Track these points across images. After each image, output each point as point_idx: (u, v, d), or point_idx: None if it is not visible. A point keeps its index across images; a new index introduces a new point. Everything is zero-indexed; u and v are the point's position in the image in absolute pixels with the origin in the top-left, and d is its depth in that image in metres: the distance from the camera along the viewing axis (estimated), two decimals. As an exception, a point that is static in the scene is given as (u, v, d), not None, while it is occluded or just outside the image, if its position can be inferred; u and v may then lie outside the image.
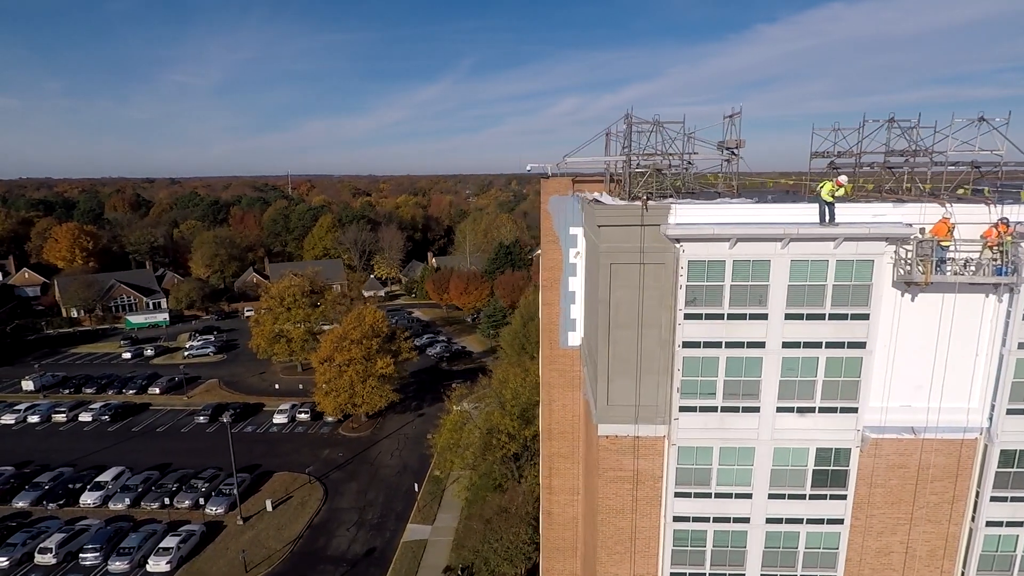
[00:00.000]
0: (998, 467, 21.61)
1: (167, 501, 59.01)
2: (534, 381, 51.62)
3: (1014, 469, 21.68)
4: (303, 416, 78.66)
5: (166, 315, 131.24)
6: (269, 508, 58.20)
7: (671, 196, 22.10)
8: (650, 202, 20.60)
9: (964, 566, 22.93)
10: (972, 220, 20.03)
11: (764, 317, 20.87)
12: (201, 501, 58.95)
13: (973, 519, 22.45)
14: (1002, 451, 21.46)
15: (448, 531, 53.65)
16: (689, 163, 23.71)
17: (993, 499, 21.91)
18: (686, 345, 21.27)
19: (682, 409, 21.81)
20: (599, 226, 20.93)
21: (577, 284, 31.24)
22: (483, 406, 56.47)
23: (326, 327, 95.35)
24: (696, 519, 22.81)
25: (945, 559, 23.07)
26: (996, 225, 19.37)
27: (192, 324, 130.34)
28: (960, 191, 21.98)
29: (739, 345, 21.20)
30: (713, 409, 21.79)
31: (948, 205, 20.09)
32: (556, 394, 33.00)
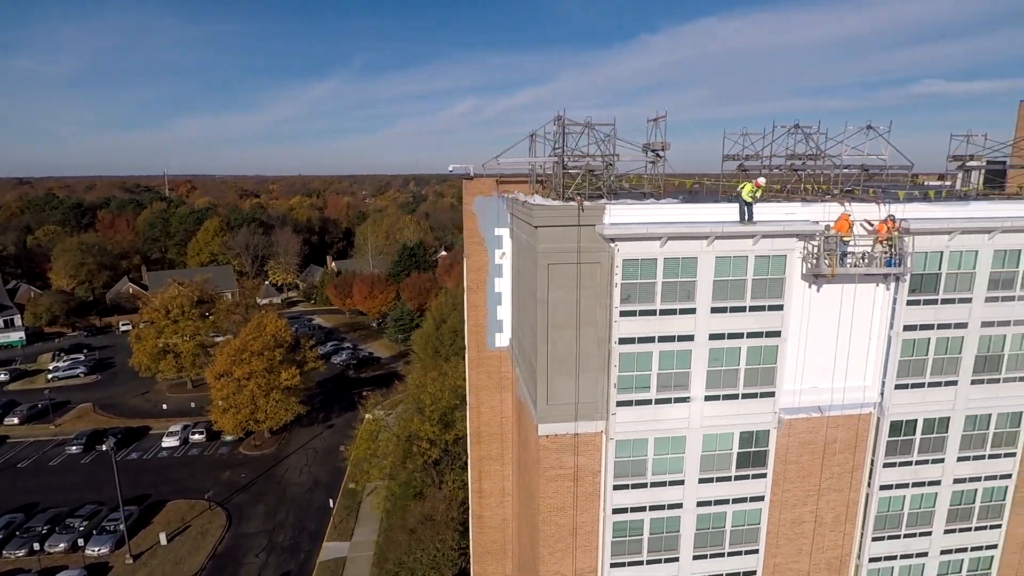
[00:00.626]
0: (888, 436, 24.26)
1: (36, 546, 51.81)
2: (453, 384, 51.05)
3: (901, 437, 24.43)
4: (198, 437, 72.37)
5: (21, 333, 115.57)
6: (164, 541, 52.91)
7: (603, 197, 22.58)
8: (586, 203, 20.95)
9: (863, 528, 25.52)
10: (865, 217, 22.29)
11: (693, 311, 21.95)
12: (80, 542, 52.34)
13: (869, 485, 25.03)
14: (892, 422, 24.11)
15: (368, 546, 51.64)
16: (610, 165, 24.42)
17: (885, 465, 24.57)
18: (622, 342, 21.88)
19: (619, 404, 22.42)
20: (536, 227, 20.95)
21: (504, 285, 31.18)
22: (399, 413, 55.04)
23: (219, 339, 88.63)
24: (633, 509, 23.54)
25: (847, 523, 25.54)
26: (885, 221, 21.69)
27: (56, 342, 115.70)
28: (858, 191, 24.37)
29: (671, 339, 22.14)
30: (648, 402, 22.59)
31: (846, 204, 22.22)
32: (484, 396, 32.75)
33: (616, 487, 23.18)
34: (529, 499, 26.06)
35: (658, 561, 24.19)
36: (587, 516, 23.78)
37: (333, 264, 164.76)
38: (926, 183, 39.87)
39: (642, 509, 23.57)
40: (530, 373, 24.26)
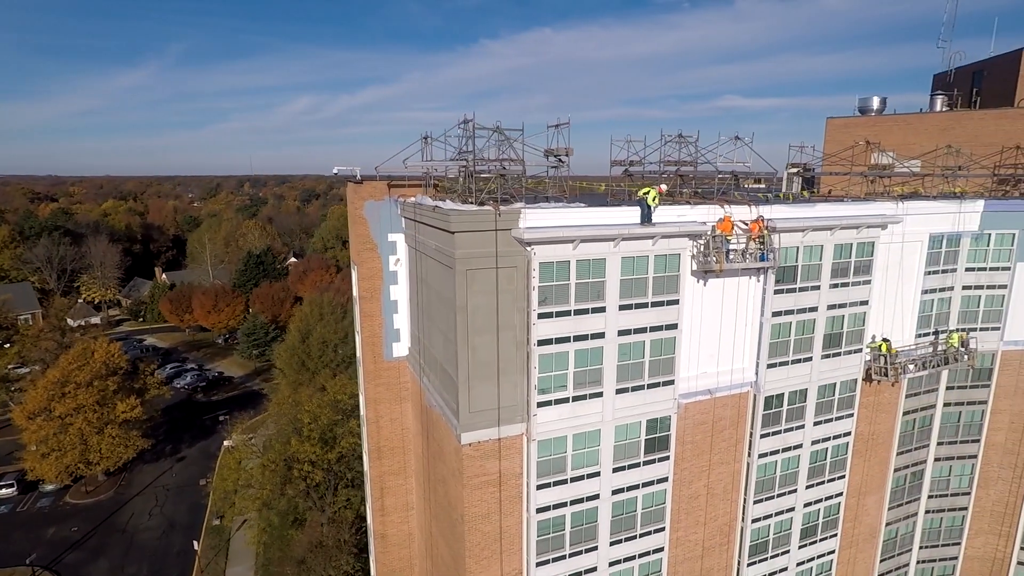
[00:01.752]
0: (764, 410, 27.51)
1: None
2: (333, 399, 48.19)
3: (773, 410, 27.83)
4: (6, 491, 60.17)
5: None
6: (-29, 624, 43.33)
7: (512, 201, 22.71)
8: (502, 207, 20.96)
9: (745, 494, 28.66)
10: (741, 218, 25.00)
11: (603, 310, 23.00)
12: None
13: (749, 455, 28.18)
14: (766, 398, 27.37)
15: (244, 585, 46.89)
16: (518, 169, 24.73)
17: (762, 436, 27.83)
18: (541, 343, 22.25)
19: (539, 405, 22.78)
20: (453, 232, 20.51)
21: (399, 293, 30.12)
22: (265, 435, 50.56)
23: (23, 371, 74.69)
24: (556, 506, 24.08)
25: (734, 491, 28.52)
26: (757, 221, 24.54)
27: None
28: (736, 195, 27.19)
29: (584, 338, 22.98)
30: (566, 400, 23.24)
31: (726, 206, 24.74)
32: (384, 410, 31.36)
33: (539, 487, 23.53)
34: (447, 509, 25.46)
35: (579, 553, 25.01)
36: (511, 520, 23.86)
37: (164, 276, 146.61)
38: (746, 185, 45.73)
39: (563, 505, 24.19)
40: (446, 382, 23.71)
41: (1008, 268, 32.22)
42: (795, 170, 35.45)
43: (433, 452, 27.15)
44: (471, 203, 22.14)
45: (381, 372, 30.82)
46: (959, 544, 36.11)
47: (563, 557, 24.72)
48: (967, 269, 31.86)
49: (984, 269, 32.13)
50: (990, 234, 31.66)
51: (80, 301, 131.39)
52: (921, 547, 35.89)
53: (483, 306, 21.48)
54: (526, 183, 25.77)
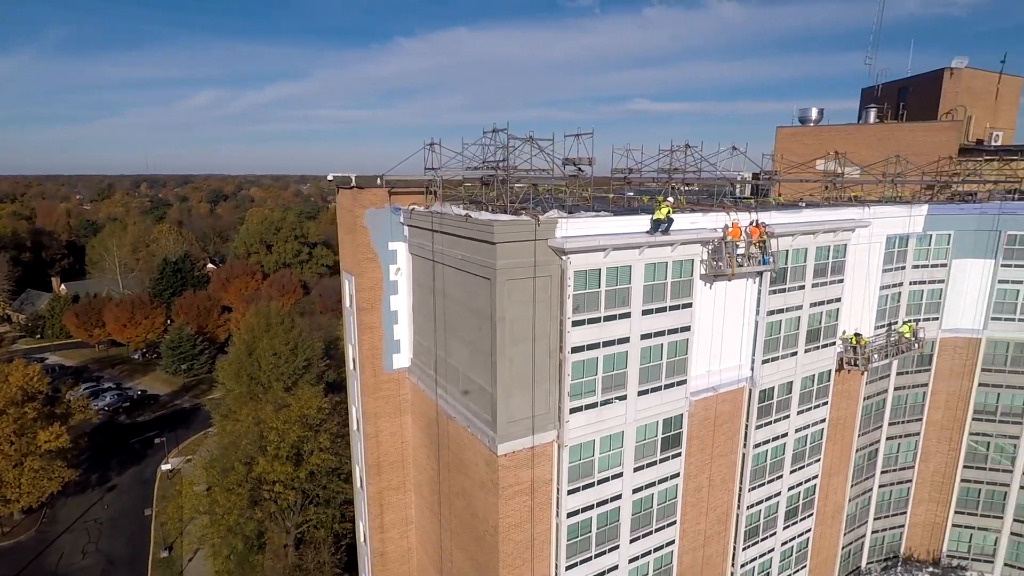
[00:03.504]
0: (759, 403, 29.35)
1: None
2: (300, 414, 45.99)
3: (766, 402, 29.75)
4: (-100, 540, 52.48)
5: None
6: None
7: (536, 208, 22.88)
8: (541, 217, 21.10)
9: (741, 482, 30.44)
10: (742, 224, 26.54)
11: (628, 315, 23.68)
12: None
13: (745, 446, 29.96)
14: (760, 391, 29.22)
15: (205, 619, 43.74)
16: (534, 178, 24.93)
17: (757, 427, 29.68)
18: (574, 350, 22.59)
19: (572, 411, 23.11)
20: (496, 243, 20.39)
21: (400, 303, 29.43)
22: (218, 455, 47.33)
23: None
24: (584, 509, 24.52)
25: (732, 481, 30.21)
26: (758, 226, 26.16)
27: None
28: (739, 202, 28.73)
29: (612, 343, 23.56)
30: (594, 405, 23.72)
31: (731, 213, 26.19)
32: (384, 424, 30.49)
33: (570, 491, 23.88)
34: (471, 521, 25.21)
35: (603, 553, 25.60)
36: (541, 526, 24.04)
37: (63, 287, 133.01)
38: (683, 189, 48.08)
39: (591, 508, 24.68)
40: (476, 393, 23.50)
41: (945, 265, 36.22)
42: (745, 176, 37.97)
43: (449, 464, 26.75)
44: (501, 212, 22.10)
45: (381, 385, 29.95)
46: (905, 513, 40.14)
47: (589, 559, 25.22)
48: (913, 266, 35.52)
49: (927, 266, 35.94)
50: (932, 235, 35.46)
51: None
52: (875, 519, 39.57)
53: (520, 316, 21.53)
54: (543, 190, 26.06)
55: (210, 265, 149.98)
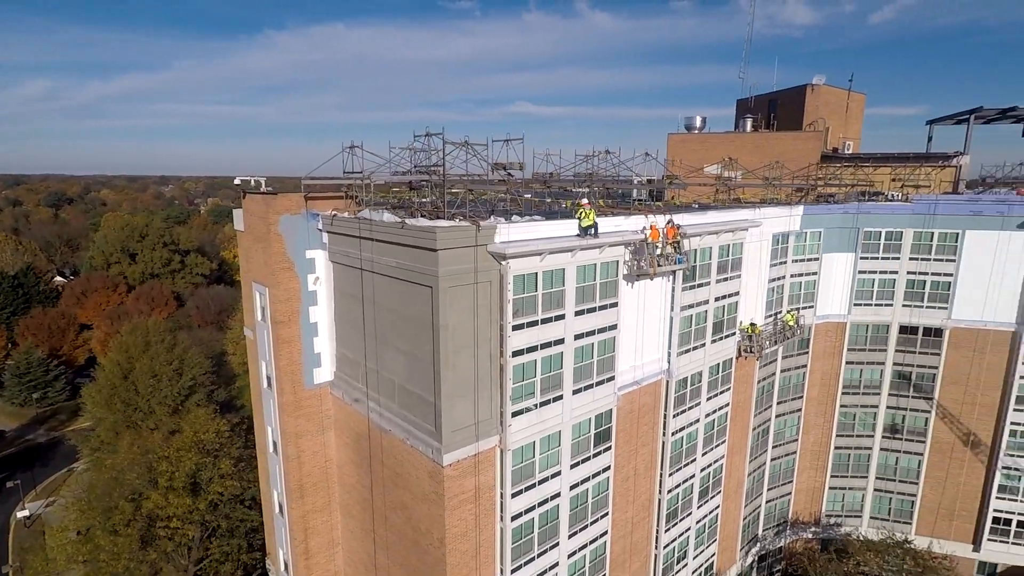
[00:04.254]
0: (675, 393, 31.30)
1: None
2: (194, 440, 41.99)
3: (681, 392, 31.77)
4: None
5: None
6: None
7: (470, 214, 22.74)
8: (481, 222, 20.98)
9: (662, 469, 32.29)
10: (659, 226, 28.16)
11: (563, 317, 24.26)
12: None
13: (664, 434, 31.81)
14: (676, 382, 31.17)
15: None
16: (441, 179, 24.75)
17: (674, 415, 31.62)
18: (515, 354, 22.72)
19: (514, 414, 23.23)
20: (438, 250, 19.98)
21: (320, 314, 27.94)
22: (91, 494, 41.86)
23: None
24: (527, 511, 24.73)
25: (654, 469, 31.94)
26: (673, 227, 27.89)
27: None
28: (654, 205, 30.27)
29: (549, 344, 24.00)
30: (534, 407, 24.01)
31: (649, 215, 27.67)
32: (306, 443, 28.73)
33: (514, 495, 23.97)
34: (413, 535, 24.47)
35: (545, 551, 25.98)
36: (487, 533, 23.92)
37: None
38: (595, 192, 50.71)
39: (533, 509, 24.95)
40: (415, 404, 22.88)
41: (818, 258, 40.85)
42: (641, 181, 40.49)
43: (384, 479, 25.78)
44: (436, 218, 21.70)
45: (302, 402, 28.21)
46: (792, 482, 44.75)
47: (532, 559, 25.49)
48: (793, 260, 39.69)
49: (804, 260, 40.32)
50: (807, 232, 39.84)
51: None
52: (768, 489, 43.73)
53: (462, 323, 21.28)
54: (478, 195, 25.90)
55: (58, 278, 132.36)
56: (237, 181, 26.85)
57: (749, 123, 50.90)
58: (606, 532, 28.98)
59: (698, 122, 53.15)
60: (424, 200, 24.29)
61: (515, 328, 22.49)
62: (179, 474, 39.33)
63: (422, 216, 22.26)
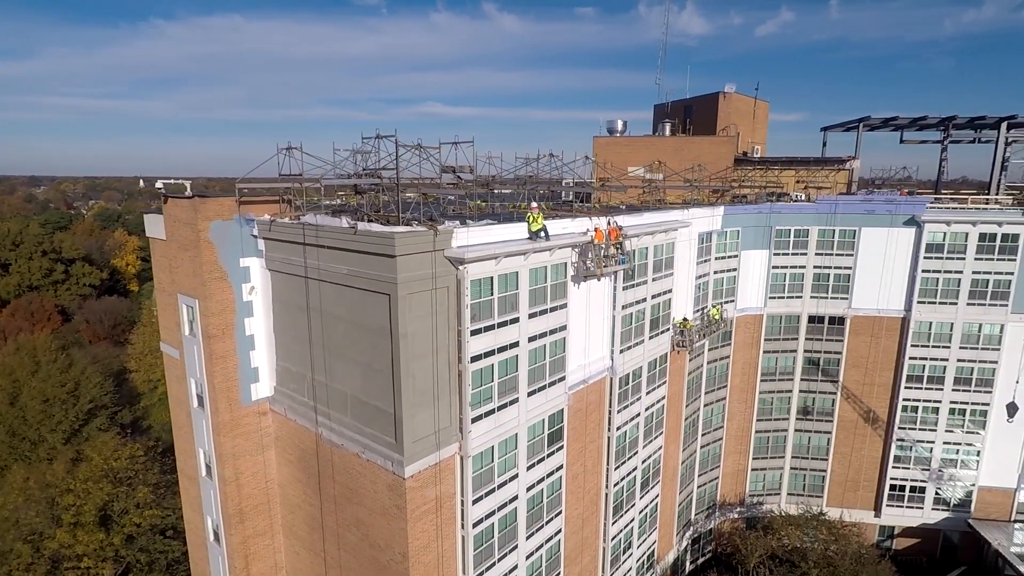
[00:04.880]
0: (619, 389, 32.28)
1: None
2: (103, 469, 38.22)
3: (624, 388, 32.82)
4: None
5: None
6: None
7: (422, 218, 22.26)
8: (439, 227, 20.59)
9: (607, 463, 33.18)
10: (602, 227, 28.89)
11: (517, 320, 24.33)
12: None
13: (609, 429, 32.72)
14: (620, 378, 32.16)
15: None
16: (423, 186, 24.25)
17: (618, 411, 32.60)
18: (473, 359, 22.51)
19: (474, 420, 23.00)
20: (396, 256, 19.39)
21: (256, 326, 26.33)
22: (11, 531, 37.09)
23: None
24: (487, 516, 24.56)
25: (600, 464, 32.75)
26: (615, 229, 28.72)
27: None
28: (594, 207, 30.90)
29: (505, 348, 23.98)
30: (491, 412, 23.90)
31: (593, 217, 28.33)
32: (244, 464, 26.96)
33: (475, 501, 23.73)
34: (372, 551, 23.58)
35: (505, 555, 25.92)
36: (448, 542, 23.53)
37: None
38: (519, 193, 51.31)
39: (492, 514, 24.82)
40: (371, 416, 22.08)
41: (737, 255, 43.62)
42: (568, 184, 41.60)
43: (335, 496, 24.67)
44: (385, 223, 21.04)
45: (239, 421, 26.46)
46: (719, 467, 47.47)
47: (493, 564, 25.37)
48: (716, 258, 42.12)
49: (725, 257, 42.90)
50: (727, 231, 42.42)
51: None
52: (699, 475, 46.12)
53: (421, 331, 20.80)
54: (430, 199, 25.34)
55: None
56: (159, 185, 24.68)
57: (668, 127, 53.41)
58: (560, 530, 29.37)
59: (619, 125, 55.00)
60: (367, 204, 23.42)
61: (473, 333, 22.28)
62: (87, 507, 35.59)
63: (371, 221, 21.49)
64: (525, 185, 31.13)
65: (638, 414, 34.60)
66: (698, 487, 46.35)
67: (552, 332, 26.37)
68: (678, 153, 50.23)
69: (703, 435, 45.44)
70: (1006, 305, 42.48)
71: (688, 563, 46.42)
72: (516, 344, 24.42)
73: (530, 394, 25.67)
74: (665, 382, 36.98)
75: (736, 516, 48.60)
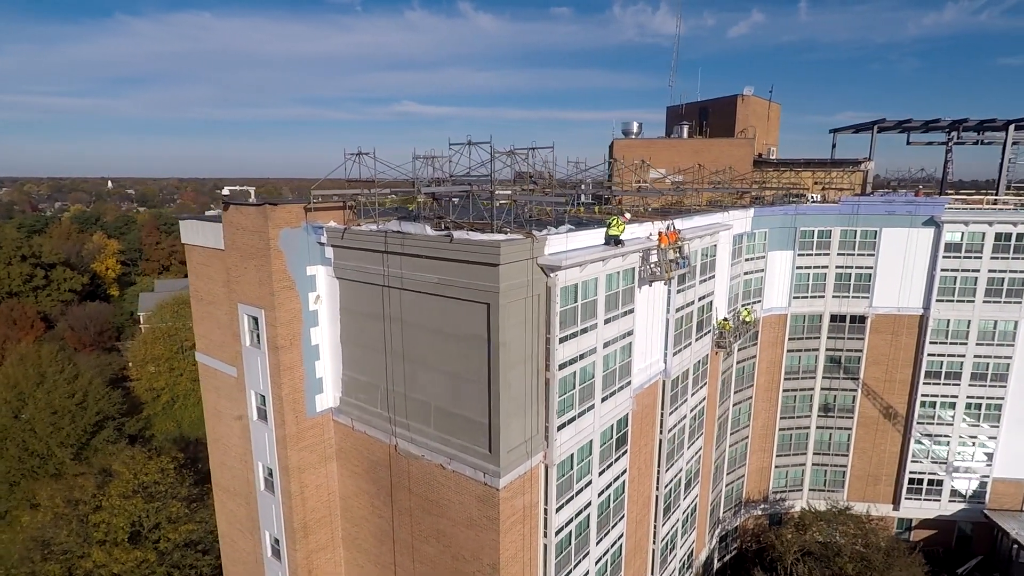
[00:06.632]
0: (671, 391, 32.42)
1: None
2: (133, 485, 36.90)
3: (675, 391, 32.96)
4: None
5: None
6: None
7: (514, 226, 21.99)
8: (536, 234, 20.36)
9: (659, 465, 33.30)
10: (663, 230, 28.96)
11: (596, 326, 24.22)
12: None
13: (661, 432, 32.84)
14: (672, 380, 32.30)
15: None
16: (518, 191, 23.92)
17: (670, 413, 32.74)
18: (561, 367, 22.32)
19: (559, 428, 22.82)
20: (499, 264, 19.09)
21: (321, 336, 25.75)
22: (41, 552, 35.62)
23: None
24: (567, 524, 24.41)
25: (652, 466, 32.84)
26: (674, 232, 28.83)
27: None
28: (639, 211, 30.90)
29: (585, 355, 23.84)
30: (573, 419, 23.75)
31: (655, 222, 28.36)
32: (309, 478, 26.35)
33: (558, 509, 23.56)
34: (453, 564, 23.19)
35: (579, 562, 25.80)
36: (531, 552, 23.32)
37: None
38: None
39: (571, 520, 24.68)
40: (458, 427, 21.74)
41: (764, 256, 44.24)
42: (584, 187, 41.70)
43: (411, 508, 24.21)
44: (477, 231, 20.73)
45: (305, 433, 25.84)
46: (745, 465, 48.12)
47: (570, 572, 25.23)
48: (746, 259, 42.65)
49: (754, 259, 43.47)
50: (756, 233, 42.98)
51: None
52: (727, 473, 46.67)
53: (516, 339, 20.54)
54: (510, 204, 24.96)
55: None
56: (225, 191, 23.92)
57: (685, 129, 53.82)
58: (623, 534, 29.38)
59: (634, 127, 55.18)
60: (437, 211, 23.02)
61: (561, 340, 22.09)
62: (118, 523, 34.32)
63: (464, 229, 21.12)
64: (575, 188, 31.03)
65: (684, 416, 34.81)
66: (726, 485, 46.86)
67: (623, 336, 26.32)
68: (697, 154, 50.61)
69: (732, 434, 45.97)
70: (1020, 302, 43.95)
71: (716, 561, 46.94)
72: (594, 351, 24.31)
73: (603, 400, 25.58)
74: (706, 383, 37.29)
75: (760, 513, 49.32)
